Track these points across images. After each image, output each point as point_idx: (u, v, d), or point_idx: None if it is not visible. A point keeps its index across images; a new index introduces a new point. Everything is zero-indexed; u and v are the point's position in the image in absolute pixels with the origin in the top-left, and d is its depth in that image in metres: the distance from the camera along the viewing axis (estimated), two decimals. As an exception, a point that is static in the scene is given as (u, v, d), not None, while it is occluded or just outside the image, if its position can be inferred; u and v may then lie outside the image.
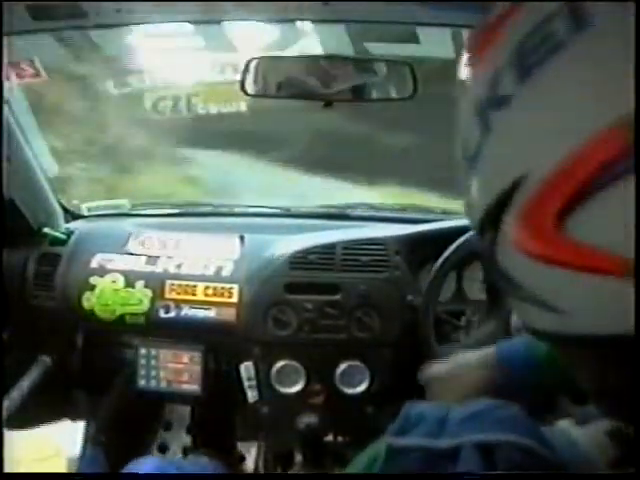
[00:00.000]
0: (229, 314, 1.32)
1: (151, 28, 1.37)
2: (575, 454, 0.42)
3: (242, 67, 1.12)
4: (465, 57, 0.39)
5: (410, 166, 2.73)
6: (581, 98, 0.31)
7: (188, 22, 1.26)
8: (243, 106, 2.13)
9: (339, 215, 1.60)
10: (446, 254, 1.20)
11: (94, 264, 1.39)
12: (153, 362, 1.38)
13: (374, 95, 1.18)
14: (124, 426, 1.56)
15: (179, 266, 1.37)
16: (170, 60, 1.81)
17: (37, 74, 1.47)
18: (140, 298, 1.35)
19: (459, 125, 0.39)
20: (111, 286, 1.36)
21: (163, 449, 1.65)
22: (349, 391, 1.28)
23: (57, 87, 2.24)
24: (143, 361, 1.38)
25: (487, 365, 0.84)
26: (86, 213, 1.61)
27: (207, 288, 1.34)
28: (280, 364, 1.28)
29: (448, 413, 0.40)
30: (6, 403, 1.32)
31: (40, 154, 1.46)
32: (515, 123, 0.34)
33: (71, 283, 1.38)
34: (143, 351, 1.39)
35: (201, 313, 1.33)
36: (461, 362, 0.88)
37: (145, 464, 0.98)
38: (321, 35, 1.38)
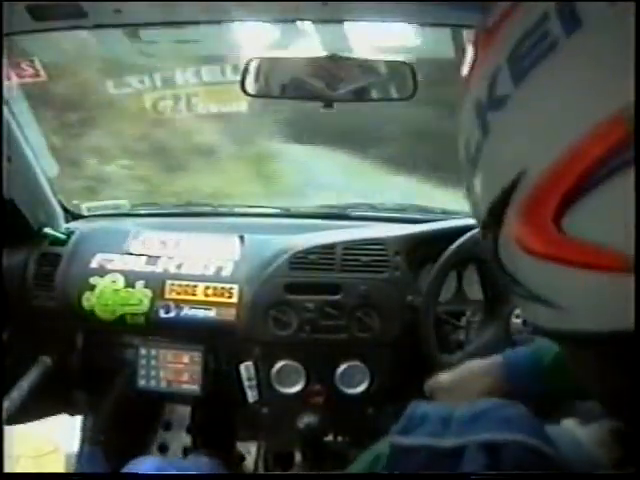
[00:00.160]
0: (229, 314, 1.32)
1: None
2: (579, 453, 0.42)
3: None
4: (466, 57, 0.39)
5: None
6: (575, 96, 0.31)
7: (188, 22, 1.26)
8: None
9: (339, 215, 1.60)
10: (447, 254, 1.20)
11: (94, 264, 1.39)
12: (153, 362, 1.38)
13: (375, 95, 1.18)
14: (124, 426, 1.56)
15: (179, 266, 1.37)
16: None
17: (37, 74, 1.47)
18: (140, 298, 1.35)
19: (461, 126, 0.39)
20: (111, 286, 1.36)
21: (163, 449, 1.65)
22: (349, 391, 1.28)
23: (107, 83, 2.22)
24: (143, 361, 1.38)
25: (493, 373, 0.84)
26: (86, 213, 1.61)
27: (207, 288, 1.34)
28: (280, 364, 1.28)
29: (452, 412, 0.40)
30: (6, 403, 1.32)
31: (40, 154, 1.45)
32: (512, 123, 0.34)
33: (71, 283, 1.38)
34: (143, 351, 1.39)
35: (201, 313, 1.33)
36: (466, 371, 0.88)
37: (145, 464, 0.98)
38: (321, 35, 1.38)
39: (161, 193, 2.74)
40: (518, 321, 1.17)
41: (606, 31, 0.31)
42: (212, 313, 1.33)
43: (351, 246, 1.32)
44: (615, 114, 0.29)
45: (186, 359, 1.37)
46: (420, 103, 1.55)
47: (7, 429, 1.33)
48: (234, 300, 1.33)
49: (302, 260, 1.32)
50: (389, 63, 1.18)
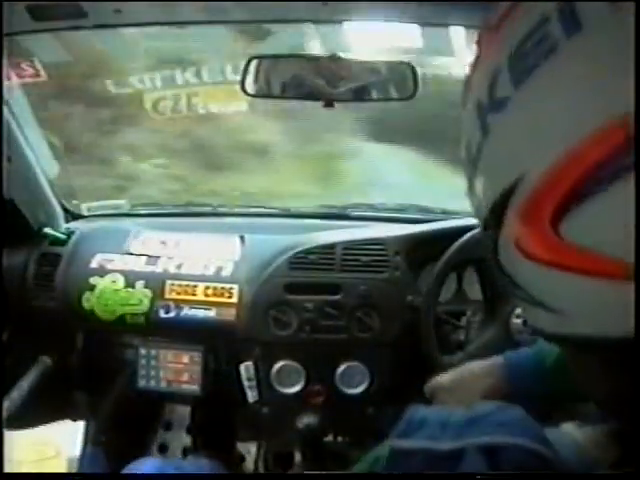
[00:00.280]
0: (229, 314, 1.32)
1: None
2: (578, 456, 0.42)
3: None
4: (469, 58, 0.39)
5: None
6: (575, 100, 0.31)
7: (188, 22, 1.26)
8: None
9: (339, 215, 1.60)
10: (447, 254, 1.20)
11: (94, 264, 1.39)
12: (153, 362, 1.38)
13: (374, 95, 1.18)
14: (124, 426, 1.56)
15: (179, 266, 1.37)
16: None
17: (37, 74, 1.47)
18: (140, 298, 1.35)
19: (462, 126, 0.39)
20: (111, 286, 1.36)
21: (163, 449, 1.65)
22: (349, 391, 1.28)
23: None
24: (143, 361, 1.38)
25: (494, 374, 0.84)
26: (86, 213, 1.61)
27: (207, 288, 1.34)
28: (280, 364, 1.28)
29: (450, 416, 0.40)
30: (6, 403, 1.32)
31: (40, 154, 1.45)
32: (512, 125, 0.34)
33: (71, 283, 1.38)
34: (143, 351, 1.39)
35: (201, 313, 1.33)
36: (467, 372, 0.88)
37: (145, 465, 0.98)
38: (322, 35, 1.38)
39: (196, 192, 2.64)
40: (518, 321, 1.16)
41: (606, 34, 0.30)
42: (212, 313, 1.33)
43: (351, 246, 1.32)
44: (615, 118, 0.29)
45: (186, 359, 1.37)
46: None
47: (9, 434, 1.33)
48: (234, 300, 1.33)
49: (302, 260, 1.32)
50: (389, 63, 1.18)
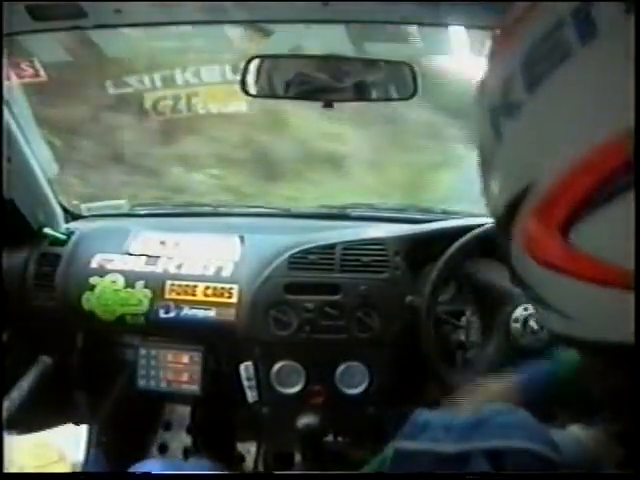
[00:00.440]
0: (229, 314, 1.32)
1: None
2: (583, 457, 0.42)
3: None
4: (483, 61, 0.39)
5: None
6: (588, 108, 0.31)
7: (188, 22, 1.26)
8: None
9: (339, 215, 1.60)
10: (447, 254, 1.20)
11: (94, 264, 1.38)
12: (153, 362, 1.38)
13: (375, 95, 1.18)
14: (124, 426, 1.56)
15: (179, 266, 1.37)
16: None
17: (37, 74, 1.47)
18: (140, 298, 1.35)
19: (476, 128, 0.39)
20: (111, 286, 1.36)
21: (163, 449, 1.65)
22: (349, 391, 1.28)
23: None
24: (143, 361, 1.38)
25: (511, 399, 0.84)
26: (86, 213, 1.61)
27: (207, 288, 1.34)
28: (280, 364, 1.28)
29: (454, 419, 0.40)
30: (6, 403, 1.32)
31: (40, 154, 1.45)
32: (525, 131, 0.34)
33: (71, 283, 1.38)
34: (143, 351, 1.39)
35: (201, 313, 1.33)
36: (484, 397, 0.88)
37: (146, 467, 0.98)
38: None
39: (247, 203, 2.43)
40: (517, 325, 1.16)
41: (621, 41, 0.30)
42: (212, 313, 1.33)
43: (351, 246, 1.32)
44: (628, 127, 0.29)
45: (186, 359, 1.37)
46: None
47: (10, 439, 1.32)
48: (234, 300, 1.33)
49: (302, 260, 1.32)
50: (389, 63, 1.18)
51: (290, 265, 1.31)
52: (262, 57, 1.16)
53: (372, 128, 2.60)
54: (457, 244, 1.20)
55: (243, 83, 1.14)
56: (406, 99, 1.17)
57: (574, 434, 0.45)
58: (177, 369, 1.37)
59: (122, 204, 1.67)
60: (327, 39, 1.29)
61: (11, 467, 1.17)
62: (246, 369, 1.31)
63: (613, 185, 0.29)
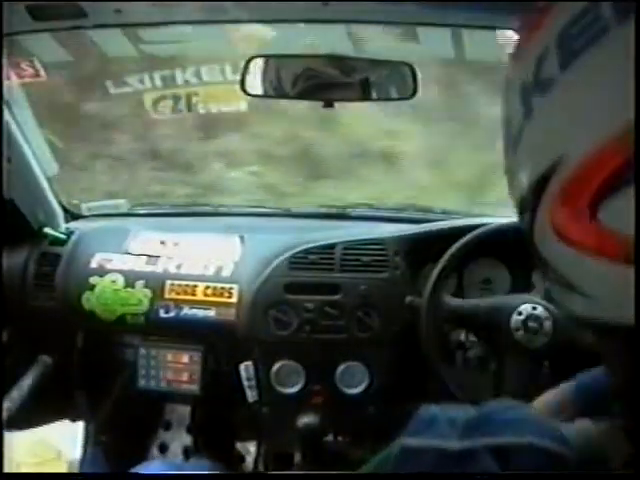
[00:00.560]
0: (229, 314, 1.32)
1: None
2: (592, 451, 0.41)
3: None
4: (514, 38, 0.39)
5: None
6: (622, 85, 0.30)
7: (188, 22, 1.26)
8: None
9: (339, 215, 1.60)
10: (447, 254, 1.20)
11: (94, 264, 1.38)
12: (153, 362, 1.38)
13: (375, 95, 1.18)
14: (124, 426, 1.56)
15: (179, 266, 1.37)
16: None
17: (37, 74, 1.47)
18: (140, 298, 1.35)
19: (504, 106, 0.39)
20: (111, 286, 1.36)
21: (163, 449, 1.65)
22: (349, 391, 1.28)
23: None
24: (143, 361, 1.38)
25: (566, 408, 0.83)
26: (86, 213, 1.61)
27: (207, 288, 1.34)
28: (280, 364, 1.28)
29: (460, 415, 0.40)
30: (6, 403, 1.32)
31: (40, 154, 1.45)
32: (556, 107, 0.34)
33: (71, 283, 1.38)
34: (143, 351, 1.39)
35: (201, 313, 1.33)
36: (540, 406, 0.88)
37: (147, 469, 0.98)
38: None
39: (286, 202, 2.36)
40: (520, 332, 1.14)
41: None
42: (212, 313, 1.33)
43: (351, 246, 1.32)
44: None
45: (186, 359, 1.37)
46: None
47: (8, 436, 1.32)
48: (234, 300, 1.33)
49: (302, 260, 1.32)
50: (389, 63, 1.18)
51: (290, 265, 1.31)
52: (262, 57, 1.16)
53: (436, 125, 2.51)
54: (458, 244, 1.20)
55: (243, 83, 1.14)
56: (406, 99, 1.17)
57: (584, 428, 0.45)
58: (177, 369, 1.37)
59: (122, 204, 1.67)
60: (327, 39, 1.29)
61: (8, 463, 1.17)
62: (246, 369, 1.31)
63: None
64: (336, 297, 1.28)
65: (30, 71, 1.45)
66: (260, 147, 2.57)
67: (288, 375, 1.29)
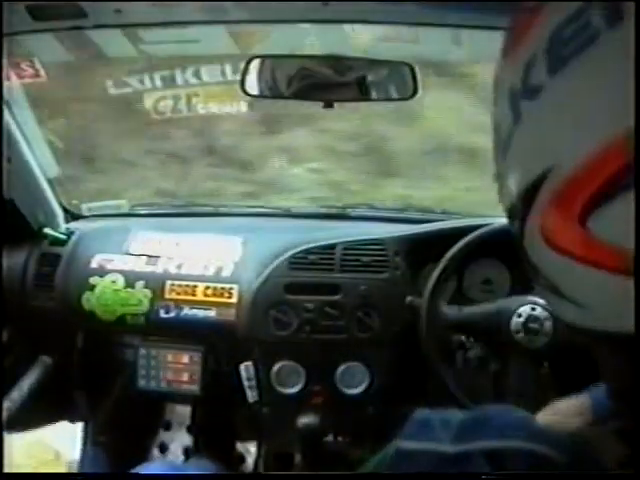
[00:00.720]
0: (229, 314, 1.32)
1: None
2: (587, 454, 0.41)
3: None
4: (503, 42, 0.38)
5: None
6: (613, 92, 0.30)
7: (188, 22, 1.26)
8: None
9: (339, 215, 1.60)
10: (448, 255, 1.20)
11: (94, 264, 1.38)
12: (153, 362, 1.38)
13: (375, 95, 1.18)
14: (124, 426, 1.56)
15: (179, 266, 1.37)
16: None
17: (37, 74, 1.47)
18: (140, 298, 1.35)
19: (492, 109, 0.39)
20: (111, 286, 1.36)
21: (163, 449, 1.65)
22: (349, 391, 1.28)
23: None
24: (143, 361, 1.38)
25: (583, 414, 0.83)
26: (86, 213, 1.61)
27: (207, 288, 1.34)
28: (280, 364, 1.28)
29: (454, 418, 0.40)
30: (6, 403, 1.32)
31: (40, 154, 1.45)
32: (545, 114, 0.33)
33: (71, 283, 1.38)
34: (143, 351, 1.39)
35: (201, 313, 1.33)
36: (556, 412, 0.88)
37: (148, 469, 0.98)
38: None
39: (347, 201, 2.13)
40: (520, 335, 1.15)
41: None
42: (212, 313, 1.33)
43: (351, 246, 1.32)
44: None
45: (186, 359, 1.37)
46: None
47: (7, 437, 1.32)
48: (234, 300, 1.33)
49: (302, 260, 1.32)
50: (389, 63, 1.18)
51: (290, 265, 1.31)
52: (262, 57, 1.16)
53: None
54: (458, 244, 1.20)
55: (243, 83, 1.14)
56: (406, 99, 1.17)
57: (577, 432, 0.45)
58: (177, 369, 1.37)
59: (122, 204, 1.67)
60: (327, 39, 1.29)
61: (7, 464, 1.17)
62: (246, 369, 1.31)
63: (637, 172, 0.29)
64: (336, 297, 1.28)
65: (30, 71, 1.45)
66: (327, 143, 2.46)
67: (288, 375, 1.29)
